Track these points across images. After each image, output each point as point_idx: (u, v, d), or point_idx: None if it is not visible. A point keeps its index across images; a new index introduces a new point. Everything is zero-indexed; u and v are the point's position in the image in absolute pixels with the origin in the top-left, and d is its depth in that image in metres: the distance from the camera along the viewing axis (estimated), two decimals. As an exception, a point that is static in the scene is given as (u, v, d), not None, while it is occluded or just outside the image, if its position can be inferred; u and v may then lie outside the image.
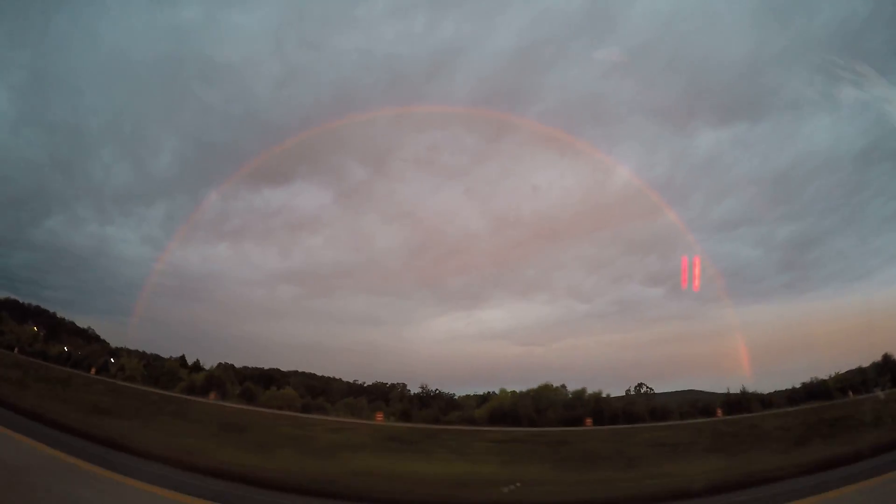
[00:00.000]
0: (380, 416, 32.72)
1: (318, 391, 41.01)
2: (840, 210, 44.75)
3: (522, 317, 50.29)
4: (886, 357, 34.82)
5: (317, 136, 46.25)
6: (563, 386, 36.19)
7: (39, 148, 57.65)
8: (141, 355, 43.90)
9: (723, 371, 39.26)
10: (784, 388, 37.14)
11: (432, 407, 38.07)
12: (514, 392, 36.93)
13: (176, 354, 44.54)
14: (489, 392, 39.04)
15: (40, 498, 10.16)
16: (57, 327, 49.04)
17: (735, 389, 37.69)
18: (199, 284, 55.37)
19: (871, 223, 41.24)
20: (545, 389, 36.18)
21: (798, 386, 37.13)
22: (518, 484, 15.34)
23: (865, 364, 35.28)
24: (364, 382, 43.45)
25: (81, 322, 51.28)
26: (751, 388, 36.92)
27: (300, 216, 56.97)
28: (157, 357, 44.73)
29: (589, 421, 32.08)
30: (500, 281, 54.02)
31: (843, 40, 36.38)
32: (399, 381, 41.13)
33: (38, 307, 50.92)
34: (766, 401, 36.02)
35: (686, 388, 39.98)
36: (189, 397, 34.57)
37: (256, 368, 44.64)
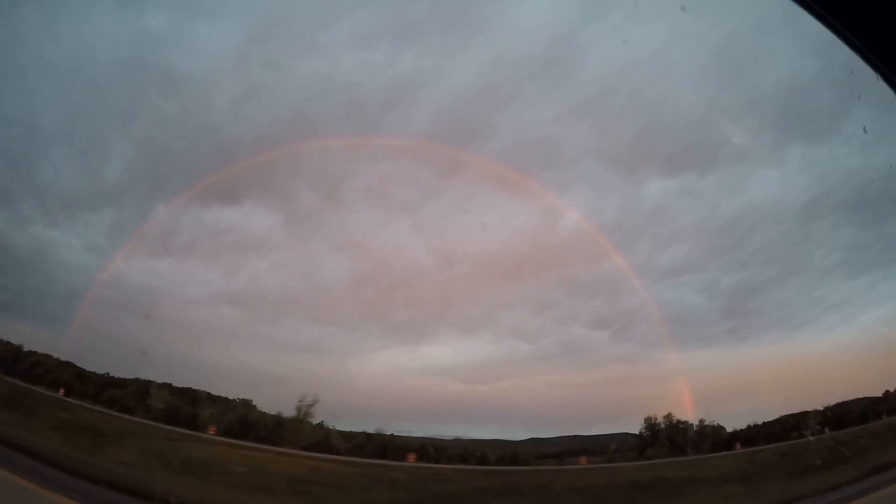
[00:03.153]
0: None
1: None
2: (783, 260, 46.60)
3: (467, 354, 49.55)
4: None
5: (271, 159, 45.79)
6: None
7: None
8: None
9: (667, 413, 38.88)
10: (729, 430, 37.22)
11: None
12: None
13: (112, 370, 41.83)
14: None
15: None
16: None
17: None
18: (141, 299, 52.55)
19: (812, 273, 42.92)
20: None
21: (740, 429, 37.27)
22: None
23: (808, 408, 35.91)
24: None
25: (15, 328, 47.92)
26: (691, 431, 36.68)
27: (248, 238, 55.52)
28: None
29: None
30: (445, 317, 53.48)
31: (792, 99, 38.72)
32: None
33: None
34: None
35: (626, 431, 39.41)
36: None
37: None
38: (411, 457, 32.87)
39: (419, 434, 38.34)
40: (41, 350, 42.80)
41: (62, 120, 56.85)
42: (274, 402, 43.34)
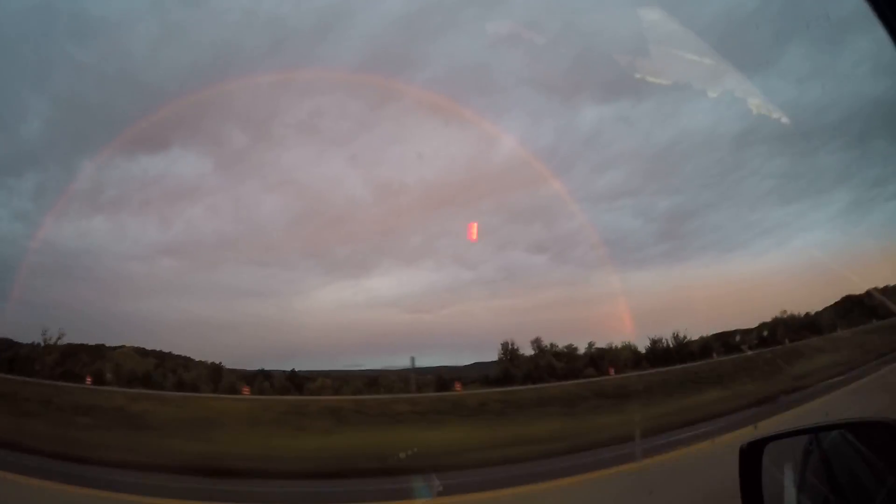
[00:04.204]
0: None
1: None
2: (717, 187, 49.97)
3: (410, 284, 51.37)
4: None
5: (196, 101, 43.08)
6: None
7: None
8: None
9: (607, 334, 43.20)
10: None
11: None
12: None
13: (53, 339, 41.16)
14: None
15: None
16: None
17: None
18: (76, 261, 50.51)
19: (745, 200, 46.60)
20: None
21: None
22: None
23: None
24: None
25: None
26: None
27: (179, 185, 53.12)
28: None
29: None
30: (386, 249, 54.37)
31: (730, 28, 39.90)
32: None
33: None
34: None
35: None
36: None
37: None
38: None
39: (369, 367, 39.90)
40: None
41: None
42: (220, 350, 44.35)
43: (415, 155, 56.27)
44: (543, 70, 51.65)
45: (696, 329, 40.16)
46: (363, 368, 40.63)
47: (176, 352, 43.49)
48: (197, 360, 42.68)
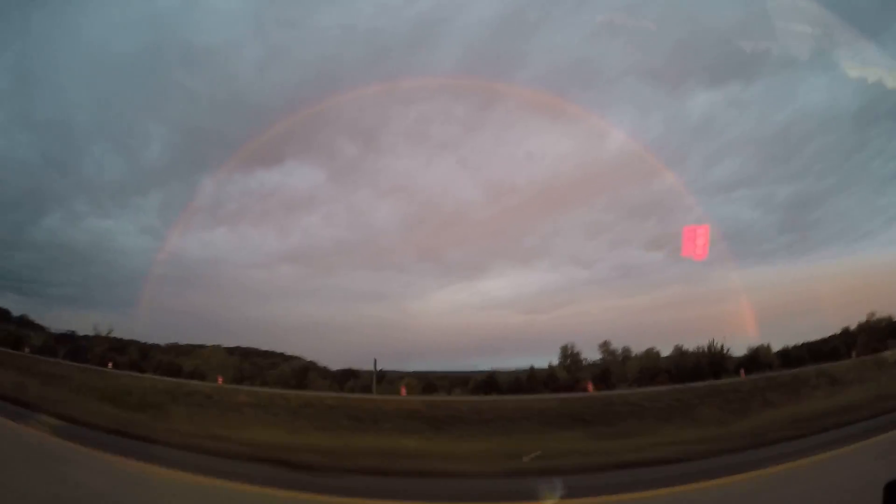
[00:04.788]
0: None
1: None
2: (839, 170, 43.52)
3: (524, 285, 49.82)
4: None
5: (304, 116, 44.85)
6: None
7: (30, 148, 56.22)
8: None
9: (729, 334, 38.23)
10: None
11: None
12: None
13: (182, 340, 43.81)
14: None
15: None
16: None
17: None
18: (201, 271, 54.43)
19: (871, 183, 40.08)
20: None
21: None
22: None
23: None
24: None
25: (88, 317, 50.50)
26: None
27: (295, 196, 56.03)
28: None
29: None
30: (499, 250, 53.29)
31: None
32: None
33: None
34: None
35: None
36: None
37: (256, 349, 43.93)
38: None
39: (483, 368, 38.69)
40: (104, 333, 45.62)
41: (95, 115, 56.79)
42: (340, 351, 44.44)
43: (523, 154, 54.52)
44: (647, 58, 47.79)
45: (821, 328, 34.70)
46: (477, 370, 39.26)
47: (288, 351, 44.84)
48: (289, 355, 43.42)
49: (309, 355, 43.25)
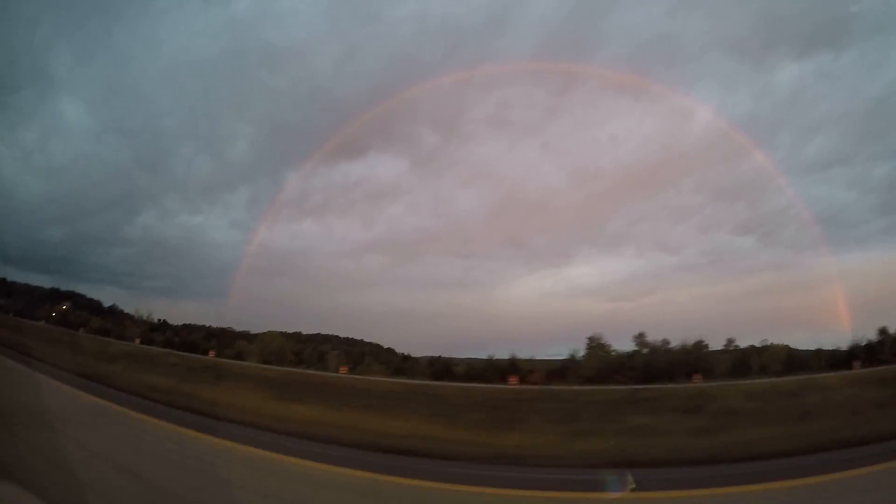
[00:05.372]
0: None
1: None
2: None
3: (610, 272, 48.96)
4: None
5: (386, 107, 45.71)
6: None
7: (123, 152, 61.96)
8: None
9: (821, 325, 34.91)
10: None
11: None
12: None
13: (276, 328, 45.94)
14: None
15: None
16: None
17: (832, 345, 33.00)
18: (289, 261, 57.83)
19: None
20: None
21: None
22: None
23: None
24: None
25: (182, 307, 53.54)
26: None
27: (379, 186, 57.86)
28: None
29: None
30: (585, 236, 52.58)
31: None
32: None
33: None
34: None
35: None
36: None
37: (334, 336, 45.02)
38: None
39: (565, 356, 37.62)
40: (199, 322, 48.78)
41: (183, 119, 61.44)
42: (425, 339, 45.01)
43: (607, 137, 53.17)
44: (729, 30, 44.94)
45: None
46: (559, 358, 39.00)
47: (366, 338, 45.65)
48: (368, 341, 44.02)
49: (388, 342, 43.75)
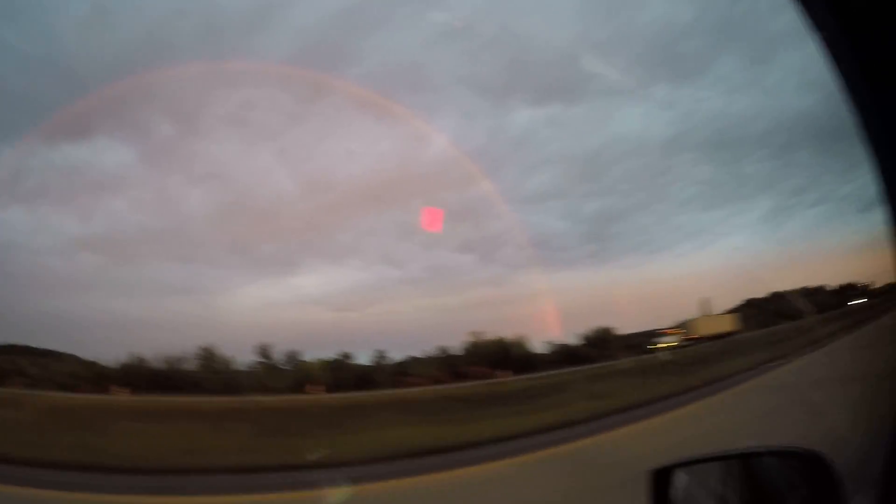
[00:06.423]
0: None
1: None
2: (644, 191, 52.64)
3: (336, 282, 50.58)
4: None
5: (124, 88, 39.92)
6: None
7: None
8: None
9: (535, 333, 43.77)
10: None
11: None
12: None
13: None
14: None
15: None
16: None
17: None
18: None
19: (671, 204, 49.39)
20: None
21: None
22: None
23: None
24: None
25: None
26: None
27: (103, 176, 49.29)
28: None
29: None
30: (313, 246, 52.99)
31: (664, 40, 41.48)
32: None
33: None
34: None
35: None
36: None
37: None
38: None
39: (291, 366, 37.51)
40: None
41: None
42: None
43: (345, 151, 55.19)
44: (478, 71, 51.77)
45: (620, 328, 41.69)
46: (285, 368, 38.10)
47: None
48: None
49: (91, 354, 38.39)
